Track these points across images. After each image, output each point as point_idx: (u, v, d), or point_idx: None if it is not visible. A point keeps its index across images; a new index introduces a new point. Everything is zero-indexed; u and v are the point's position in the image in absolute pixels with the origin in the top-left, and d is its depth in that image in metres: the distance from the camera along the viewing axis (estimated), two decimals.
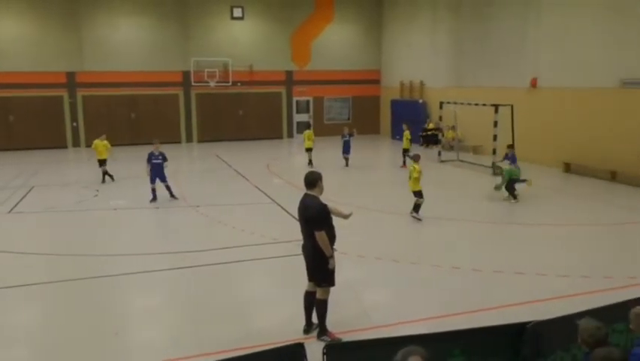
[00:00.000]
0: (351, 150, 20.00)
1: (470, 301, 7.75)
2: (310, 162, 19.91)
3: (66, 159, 24.09)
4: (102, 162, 17.40)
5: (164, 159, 14.46)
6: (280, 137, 30.41)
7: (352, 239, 10.34)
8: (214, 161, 22.36)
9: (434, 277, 8.84)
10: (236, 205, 14.31)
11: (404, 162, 19.21)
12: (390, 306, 7.83)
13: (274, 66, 29.64)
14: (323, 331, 6.56)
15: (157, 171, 14.39)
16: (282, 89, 30.28)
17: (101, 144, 17.43)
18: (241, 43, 29.04)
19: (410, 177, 12.17)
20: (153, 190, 14.47)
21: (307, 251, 6.50)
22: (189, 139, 28.87)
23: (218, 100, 29.10)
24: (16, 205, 14.31)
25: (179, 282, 8.81)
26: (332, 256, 6.30)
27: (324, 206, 6.38)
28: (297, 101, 30.80)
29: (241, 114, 29.54)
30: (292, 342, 4.16)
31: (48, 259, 9.94)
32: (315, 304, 6.56)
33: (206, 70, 28.10)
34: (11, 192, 15.93)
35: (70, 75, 26.64)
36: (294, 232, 11.30)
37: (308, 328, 6.75)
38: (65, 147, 26.85)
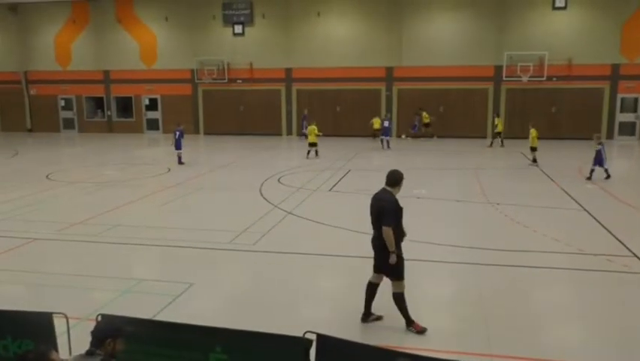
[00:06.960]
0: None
1: None
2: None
3: (371, 147, 26.36)
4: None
5: None
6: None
7: None
8: (519, 158, 21.51)
9: None
10: (538, 207, 13.55)
11: None
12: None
13: (597, 59, 26.79)
14: (409, 322, 6.76)
15: None
16: (605, 85, 27.19)
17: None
18: (560, 34, 27.08)
19: None
20: None
21: (375, 243, 6.82)
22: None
23: (529, 95, 27.84)
24: (335, 185, 16.34)
25: (469, 276, 8.82)
26: (394, 252, 6.57)
27: (398, 203, 6.69)
28: (622, 99, 27.29)
29: (553, 111, 27.68)
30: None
31: (354, 235, 11.08)
32: (393, 298, 6.75)
33: (519, 64, 27.11)
34: (333, 173, 18.24)
35: (389, 70, 28.90)
36: (605, 245, 10.21)
37: (365, 317, 7.01)
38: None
